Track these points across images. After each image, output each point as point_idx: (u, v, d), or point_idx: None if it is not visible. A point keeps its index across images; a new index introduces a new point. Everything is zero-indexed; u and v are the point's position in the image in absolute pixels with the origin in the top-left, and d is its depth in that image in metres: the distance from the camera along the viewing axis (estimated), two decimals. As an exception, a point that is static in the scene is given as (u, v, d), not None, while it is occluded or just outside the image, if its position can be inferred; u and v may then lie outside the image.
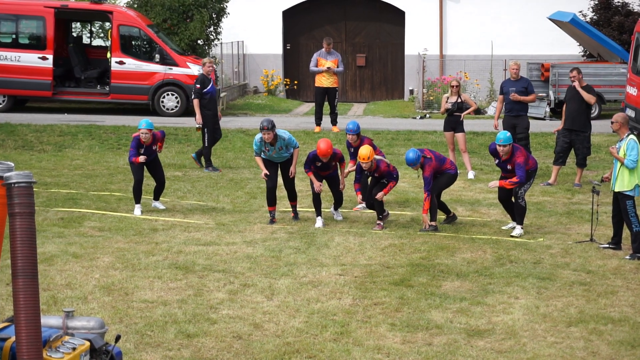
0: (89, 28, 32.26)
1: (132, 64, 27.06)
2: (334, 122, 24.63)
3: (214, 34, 31.43)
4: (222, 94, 29.02)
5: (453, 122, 18.61)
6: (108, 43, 29.33)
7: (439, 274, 12.26)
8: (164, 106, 27.12)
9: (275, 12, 34.07)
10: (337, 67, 23.53)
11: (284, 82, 34.75)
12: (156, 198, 15.07)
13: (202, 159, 19.57)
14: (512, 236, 13.66)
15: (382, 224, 14.01)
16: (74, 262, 12.71)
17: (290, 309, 10.84)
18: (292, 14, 34.33)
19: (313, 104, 26.03)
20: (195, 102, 18.97)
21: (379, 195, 13.76)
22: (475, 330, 9.99)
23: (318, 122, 24.16)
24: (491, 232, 14.73)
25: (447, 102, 18.74)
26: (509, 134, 13.40)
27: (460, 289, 11.61)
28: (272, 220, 14.54)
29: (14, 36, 28.19)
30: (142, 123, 14.10)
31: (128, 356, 8.38)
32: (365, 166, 13.41)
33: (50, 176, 18.96)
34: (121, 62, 26.99)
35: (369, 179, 14.40)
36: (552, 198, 17.62)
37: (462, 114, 18.61)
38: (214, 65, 20.59)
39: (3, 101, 27.57)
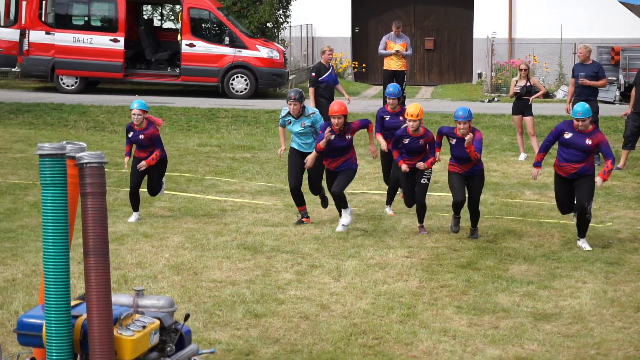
0: (160, 11, 32.87)
1: (202, 47, 27.24)
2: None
3: (283, 17, 31.44)
4: (290, 77, 29.33)
5: (521, 106, 18.60)
6: (178, 26, 29.46)
7: (505, 258, 12.16)
8: (233, 88, 27.41)
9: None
10: (406, 50, 23.39)
11: (352, 65, 34.72)
12: (136, 209, 13.16)
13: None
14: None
15: (424, 228, 12.88)
16: (144, 242, 12.87)
17: (357, 290, 10.82)
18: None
19: (381, 87, 25.35)
20: (311, 90, 18.76)
21: (421, 164, 12.31)
22: (542, 314, 9.92)
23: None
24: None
25: (515, 85, 18.70)
26: (587, 105, 11.78)
27: (527, 273, 11.51)
28: (302, 220, 13.66)
29: (86, 19, 28.45)
30: (134, 103, 12.32)
31: (197, 335, 8.46)
32: (413, 125, 12.03)
33: (122, 157, 18.09)
34: (191, 45, 27.20)
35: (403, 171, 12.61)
36: (621, 182, 17.31)
37: (531, 98, 18.55)
38: (332, 54, 20.04)
39: (75, 83, 27.92)
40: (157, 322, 6.44)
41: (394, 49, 23.15)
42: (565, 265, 11.68)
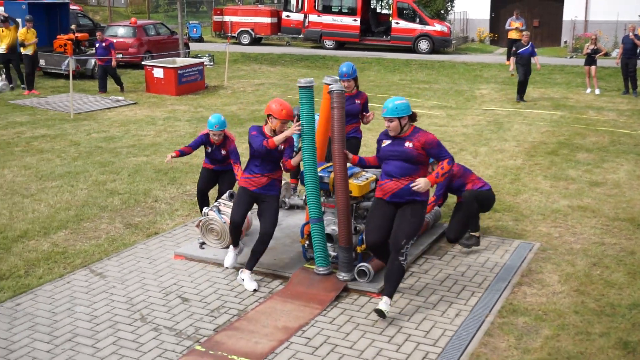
0: (380, 3, 33.63)
1: (403, 24, 29.14)
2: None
3: (450, 6, 32.60)
4: (453, 42, 30.07)
5: (590, 60, 18.63)
6: (390, 12, 30.71)
7: (575, 149, 12.24)
8: (419, 48, 28.97)
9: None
10: (522, 27, 23.49)
11: (490, 35, 34.50)
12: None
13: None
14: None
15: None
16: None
17: (486, 164, 11.14)
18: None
19: (505, 48, 26.27)
20: (512, 59, 17.40)
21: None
22: (595, 182, 10.16)
23: (507, 58, 23.53)
24: (609, 125, 14.31)
25: (587, 48, 18.77)
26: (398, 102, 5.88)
27: (587, 158, 11.61)
28: None
29: (339, 8, 30.30)
30: (215, 123, 7.72)
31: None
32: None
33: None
34: (397, 23, 29.22)
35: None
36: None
37: (597, 55, 18.52)
38: (526, 32, 18.55)
39: (332, 44, 30.27)
40: (374, 176, 6.88)
41: (513, 25, 23.72)
42: (610, 155, 11.77)
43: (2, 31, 17.90)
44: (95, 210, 8.96)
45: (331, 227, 6.87)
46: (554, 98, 18.00)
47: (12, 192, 9.64)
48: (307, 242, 7.01)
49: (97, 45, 18.48)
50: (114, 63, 18.41)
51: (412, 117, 6.18)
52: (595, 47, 18.54)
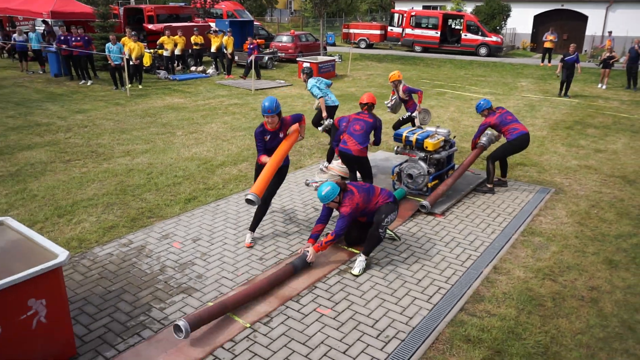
0: (454, 21, 29.48)
1: (469, 36, 27.10)
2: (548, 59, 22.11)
3: (504, 24, 29.83)
4: (503, 49, 27.34)
5: (606, 64, 16.97)
6: (461, 27, 28.09)
7: (586, 126, 11.15)
8: (480, 52, 26.86)
9: (529, 15, 31.19)
10: (555, 39, 22.00)
11: (530, 45, 31.31)
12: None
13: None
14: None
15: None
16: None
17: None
18: (539, 17, 31.09)
19: (541, 54, 24.16)
20: (559, 64, 14.97)
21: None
22: (598, 150, 9.44)
23: (542, 61, 22.49)
24: (613, 110, 13.25)
25: (604, 55, 16.93)
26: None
27: (594, 133, 10.71)
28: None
29: (426, 24, 28.13)
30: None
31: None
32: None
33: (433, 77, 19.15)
34: (465, 35, 27.23)
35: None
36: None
37: (611, 61, 16.89)
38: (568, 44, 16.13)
39: (420, 49, 27.83)
40: (443, 138, 6.66)
41: (549, 38, 22.06)
42: (612, 131, 10.95)
43: (214, 38, 18.34)
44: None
45: (411, 169, 6.73)
46: (574, 90, 16.65)
47: (216, 138, 9.74)
48: (395, 178, 6.89)
49: (250, 46, 17.63)
50: (253, 58, 17.30)
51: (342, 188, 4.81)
52: (611, 54, 17.04)
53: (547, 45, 22.39)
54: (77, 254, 5.11)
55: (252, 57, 16.96)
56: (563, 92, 15.36)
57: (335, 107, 8.08)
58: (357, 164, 5.90)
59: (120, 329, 4.05)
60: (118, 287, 4.60)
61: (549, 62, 22.70)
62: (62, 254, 3.47)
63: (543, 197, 7.08)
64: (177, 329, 3.89)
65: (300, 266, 4.74)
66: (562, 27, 30.93)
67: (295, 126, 5.24)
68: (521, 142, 6.69)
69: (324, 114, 7.73)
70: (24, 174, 7.33)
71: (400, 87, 7.78)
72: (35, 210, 6.07)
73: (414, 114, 7.75)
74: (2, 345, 3.26)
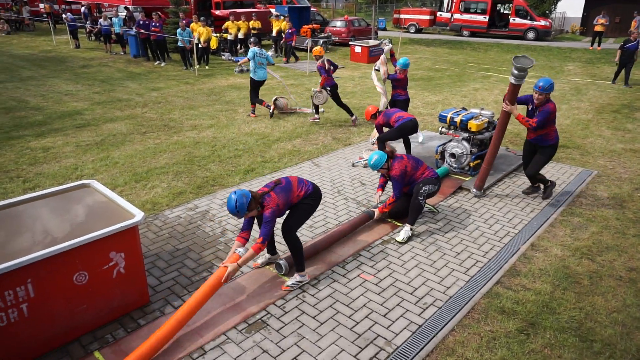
0: (503, 6, 27.37)
1: (518, 20, 25.38)
2: (599, 44, 21.20)
3: (554, 7, 28.46)
4: (552, 33, 25.29)
5: None
6: (509, 12, 26.37)
7: (634, 110, 10.43)
8: (527, 36, 25.16)
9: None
10: (607, 22, 20.65)
11: (579, 29, 29.20)
12: None
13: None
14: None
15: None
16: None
17: (565, 116, 9.91)
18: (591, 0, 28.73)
19: (590, 38, 23.67)
20: (618, 51, 13.21)
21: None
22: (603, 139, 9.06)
23: (591, 44, 21.34)
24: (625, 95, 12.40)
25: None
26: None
27: (598, 118, 10.35)
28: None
29: (475, 9, 25.94)
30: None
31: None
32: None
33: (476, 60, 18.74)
34: (514, 19, 25.45)
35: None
36: None
37: None
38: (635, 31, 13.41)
39: (468, 33, 26.36)
40: (487, 119, 6.47)
41: (600, 22, 20.69)
42: (618, 116, 10.06)
43: (274, 22, 18.30)
44: (316, 129, 8.88)
45: (455, 149, 6.56)
46: (622, 74, 15.13)
47: (274, 115, 9.73)
48: (439, 157, 6.79)
49: (288, 31, 17.39)
50: (293, 44, 17.50)
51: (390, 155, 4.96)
52: None
53: (598, 28, 20.97)
54: (150, 215, 5.32)
55: (291, 42, 16.81)
56: (623, 81, 13.86)
57: (261, 82, 8.54)
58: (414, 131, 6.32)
59: (186, 282, 4.25)
60: (185, 246, 4.79)
61: (599, 45, 21.50)
62: (138, 215, 3.66)
63: (585, 179, 6.79)
64: (278, 266, 4.30)
65: (370, 217, 5.18)
66: (614, 10, 28.92)
67: (234, 256, 3.72)
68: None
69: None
70: (107, 143, 7.64)
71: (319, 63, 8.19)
72: (116, 175, 6.35)
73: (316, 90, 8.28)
74: (89, 290, 3.54)
